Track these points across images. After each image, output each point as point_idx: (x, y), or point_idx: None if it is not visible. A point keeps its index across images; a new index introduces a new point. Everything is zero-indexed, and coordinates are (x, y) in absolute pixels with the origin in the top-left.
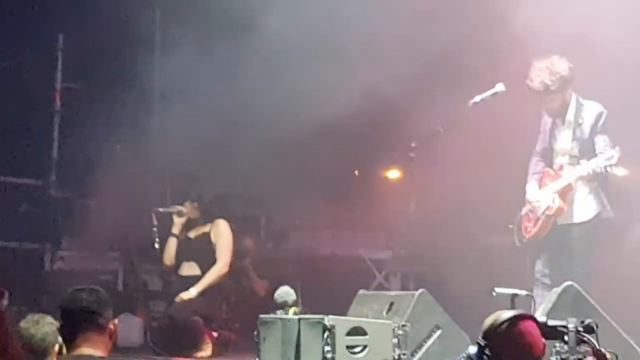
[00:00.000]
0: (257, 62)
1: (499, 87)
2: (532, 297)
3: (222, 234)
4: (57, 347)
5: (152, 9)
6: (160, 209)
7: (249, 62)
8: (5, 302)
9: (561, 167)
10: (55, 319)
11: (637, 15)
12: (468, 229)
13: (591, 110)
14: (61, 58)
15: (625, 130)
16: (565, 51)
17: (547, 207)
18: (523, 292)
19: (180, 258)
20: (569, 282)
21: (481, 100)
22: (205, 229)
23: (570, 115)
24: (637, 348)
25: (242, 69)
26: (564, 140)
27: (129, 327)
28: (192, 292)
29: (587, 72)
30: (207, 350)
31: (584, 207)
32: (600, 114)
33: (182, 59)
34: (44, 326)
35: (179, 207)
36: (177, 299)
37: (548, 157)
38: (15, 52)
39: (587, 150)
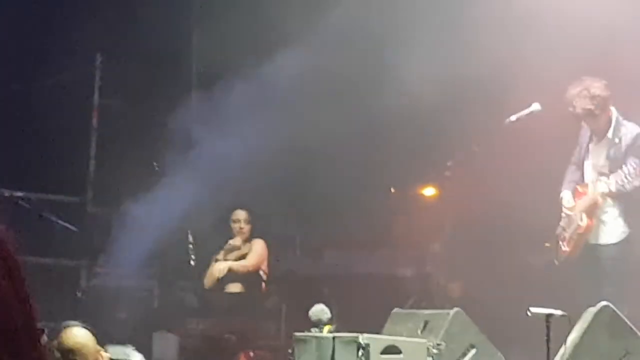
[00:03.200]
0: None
1: (535, 106)
2: (568, 317)
3: (256, 249)
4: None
5: (189, 27)
6: (228, 245)
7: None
8: (44, 337)
9: (587, 185)
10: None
11: None
12: (504, 247)
13: (630, 130)
14: (99, 76)
15: None
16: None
17: (577, 227)
18: (558, 312)
19: (224, 279)
20: (605, 302)
21: (517, 119)
22: (245, 250)
23: (610, 133)
24: None
25: (280, 83)
26: (598, 157)
27: (164, 345)
28: (222, 267)
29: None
30: None
31: (612, 229)
32: (638, 136)
33: (217, 72)
34: (82, 338)
35: (237, 243)
36: (209, 274)
37: (580, 170)
38: (52, 70)
39: (616, 164)
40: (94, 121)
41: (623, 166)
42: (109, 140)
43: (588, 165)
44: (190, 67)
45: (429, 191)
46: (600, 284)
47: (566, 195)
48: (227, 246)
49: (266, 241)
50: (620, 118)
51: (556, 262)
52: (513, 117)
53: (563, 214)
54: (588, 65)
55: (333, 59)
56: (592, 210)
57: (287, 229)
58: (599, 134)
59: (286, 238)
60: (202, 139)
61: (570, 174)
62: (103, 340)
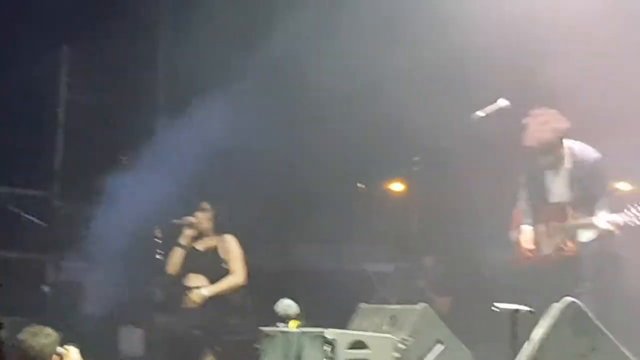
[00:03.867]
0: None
1: (503, 102)
2: (534, 313)
3: (232, 250)
4: (56, 358)
5: (159, 22)
6: (174, 221)
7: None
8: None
9: (564, 206)
10: (58, 330)
11: None
12: (471, 243)
13: (586, 155)
14: (66, 70)
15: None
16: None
17: (559, 248)
18: (524, 308)
19: (186, 269)
20: (571, 299)
21: (485, 114)
22: (212, 242)
23: (568, 163)
24: None
25: (251, 82)
26: (560, 185)
27: (131, 339)
28: (203, 292)
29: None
30: None
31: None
32: (596, 160)
33: (188, 70)
34: (43, 338)
35: (191, 219)
36: (187, 299)
37: (539, 190)
38: (20, 63)
39: (582, 192)
40: (61, 115)
41: (601, 200)
42: (76, 134)
43: (552, 191)
44: (157, 62)
45: (397, 186)
46: (570, 279)
47: (527, 232)
48: (184, 220)
49: (235, 235)
50: (571, 143)
51: (516, 269)
52: (481, 113)
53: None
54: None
55: (301, 53)
56: (573, 233)
57: (254, 223)
58: (556, 166)
59: (253, 232)
60: (169, 133)
61: (523, 202)
62: (68, 336)
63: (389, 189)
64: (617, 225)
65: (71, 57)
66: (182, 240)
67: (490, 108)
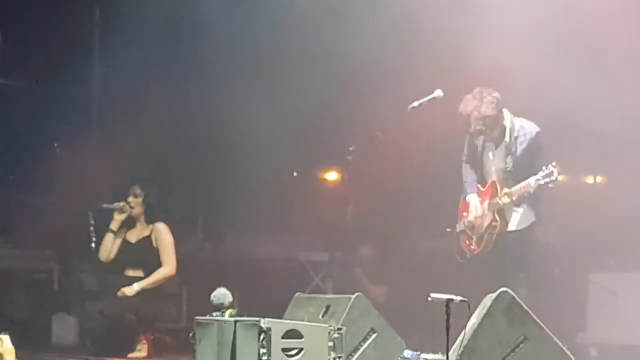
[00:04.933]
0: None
1: (438, 92)
2: (467, 302)
3: (163, 237)
4: None
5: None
6: (104, 205)
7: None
8: None
9: (495, 184)
10: None
11: None
12: (405, 232)
13: (527, 130)
14: None
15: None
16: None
17: (490, 225)
18: (458, 298)
19: (123, 263)
20: (504, 288)
21: (419, 105)
22: (146, 232)
23: (507, 137)
24: (569, 354)
25: (185, 72)
26: (498, 159)
27: (64, 327)
28: (134, 287)
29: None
30: (142, 351)
31: (521, 216)
32: (537, 134)
33: (122, 57)
34: None
35: (121, 204)
36: (119, 293)
37: (478, 167)
38: None
39: (521, 166)
40: None
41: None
42: (7, 121)
43: (490, 165)
44: (92, 44)
45: (332, 175)
46: (505, 270)
47: (473, 200)
48: (114, 205)
49: (167, 224)
50: (513, 118)
51: (460, 260)
52: (415, 103)
53: (467, 215)
54: (487, 51)
55: (245, 41)
56: (507, 209)
57: (188, 211)
58: (495, 141)
59: (188, 221)
60: (104, 119)
61: (469, 174)
62: (0, 324)
63: (324, 178)
64: (527, 185)
65: (2, 41)
66: (113, 226)
67: (425, 98)
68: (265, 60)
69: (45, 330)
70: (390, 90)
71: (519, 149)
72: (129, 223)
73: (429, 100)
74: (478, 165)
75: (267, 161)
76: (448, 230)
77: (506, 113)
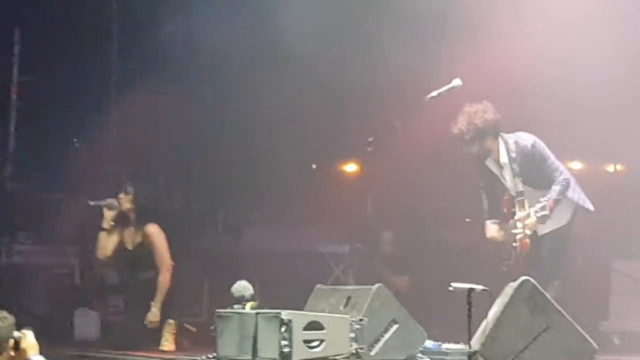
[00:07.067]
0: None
1: (456, 81)
2: (489, 291)
3: (155, 242)
4: (12, 342)
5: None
6: (91, 202)
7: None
8: None
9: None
10: (11, 313)
11: None
12: (425, 223)
13: (521, 145)
14: (17, 52)
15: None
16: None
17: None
18: (479, 287)
19: (132, 267)
20: (526, 277)
21: (438, 94)
22: (138, 238)
23: (503, 158)
24: (592, 341)
25: (206, 65)
26: (510, 184)
27: (86, 322)
28: (154, 311)
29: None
30: (168, 345)
31: (554, 218)
32: (533, 144)
33: (140, 52)
34: None
35: (110, 200)
36: (147, 324)
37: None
38: None
39: (531, 181)
40: (13, 97)
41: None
42: (29, 116)
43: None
44: (110, 39)
45: (351, 167)
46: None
47: (488, 229)
48: (102, 202)
49: (160, 225)
50: (508, 138)
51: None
52: (434, 93)
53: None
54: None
55: (257, 34)
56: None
57: (208, 204)
58: (481, 157)
59: (208, 214)
60: (121, 114)
61: (486, 204)
62: (22, 319)
63: (344, 170)
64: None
65: (22, 38)
66: (104, 224)
67: (444, 88)
68: (286, 53)
69: (67, 325)
70: (409, 80)
71: (521, 165)
72: (123, 220)
73: (447, 90)
74: (495, 187)
75: (286, 154)
76: (467, 220)
77: (501, 135)
